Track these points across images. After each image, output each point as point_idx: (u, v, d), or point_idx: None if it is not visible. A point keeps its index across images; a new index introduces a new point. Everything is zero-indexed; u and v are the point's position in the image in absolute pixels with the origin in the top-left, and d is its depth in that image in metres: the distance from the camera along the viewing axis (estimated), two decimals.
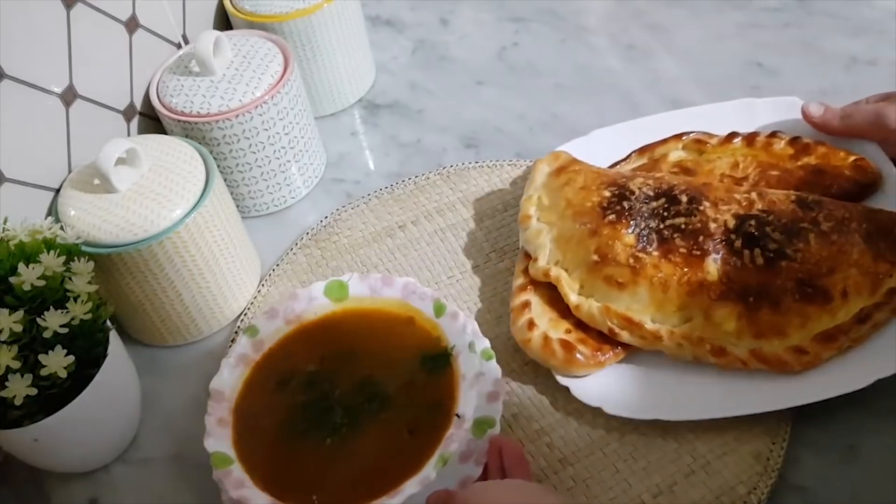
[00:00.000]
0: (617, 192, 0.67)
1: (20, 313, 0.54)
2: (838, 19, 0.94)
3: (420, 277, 0.74)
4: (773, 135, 0.72)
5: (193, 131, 0.75)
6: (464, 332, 0.62)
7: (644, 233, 0.64)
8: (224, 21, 0.92)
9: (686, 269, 0.62)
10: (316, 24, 0.85)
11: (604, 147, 0.75)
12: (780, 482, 0.58)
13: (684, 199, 0.65)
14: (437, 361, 0.62)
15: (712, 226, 0.63)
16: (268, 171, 0.80)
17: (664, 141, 0.74)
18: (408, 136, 0.89)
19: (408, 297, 0.65)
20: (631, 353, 0.64)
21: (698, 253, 0.62)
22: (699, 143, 0.73)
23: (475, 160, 0.84)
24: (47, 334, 0.55)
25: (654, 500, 0.57)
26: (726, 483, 0.57)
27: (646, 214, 0.65)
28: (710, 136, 0.73)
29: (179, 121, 0.75)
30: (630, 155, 0.74)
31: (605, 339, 0.63)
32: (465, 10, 1.05)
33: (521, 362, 0.66)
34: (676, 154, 0.73)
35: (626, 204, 0.65)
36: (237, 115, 0.74)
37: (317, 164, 0.85)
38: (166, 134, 0.77)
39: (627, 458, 0.60)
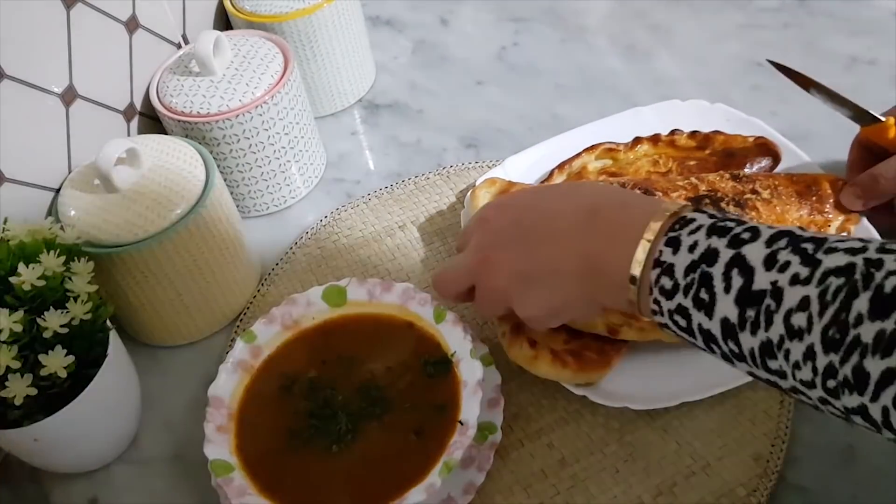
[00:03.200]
0: None
1: (20, 313, 0.54)
2: (838, 19, 0.94)
3: (420, 278, 0.74)
4: (674, 132, 0.77)
5: (193, 131, 0.75)
6: (464, 338, 0.62)
7: None
8: (224, 21, 0.92)
9: None
10: (316, 24, 0.85)
11: (519, 173, 0.78)
12: (780, 482, 0.58)
13: (639, 193, 0.67)
14: (438, 367, 0.62)
15: None
16: (268, 171, 0.80)
17: (577, 155, 0.77)
18: (408, 136, 0.89)
19: (406, 303, 0.65)
20: (628, 348, 0.64)
21: None
22: (610, 151, 0.77)
23: (475, 160, 0.84)
24: (47, 334, 0.54)
25: (654, 500, 0.57)
26: (726, 485, 0.57)
27: None
28: (618, 144, 0.77)
29: (179, 121, 0.75)
30: (552, 173, 0.76)
31: (603, 340, 0.63)
32: (465, 10, 1.05)
33: None
34: (594, 164, 0.77)
35: None
36: (237, 115, 0.74)
37: (317, 164, 0.85)
38: (166, 134, 0.77)
39: (627, 458, 0.60)
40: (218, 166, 0.71)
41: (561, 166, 0.76)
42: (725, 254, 0.45)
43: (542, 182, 0.76)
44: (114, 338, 0.61)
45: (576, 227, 0.52)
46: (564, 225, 0.53)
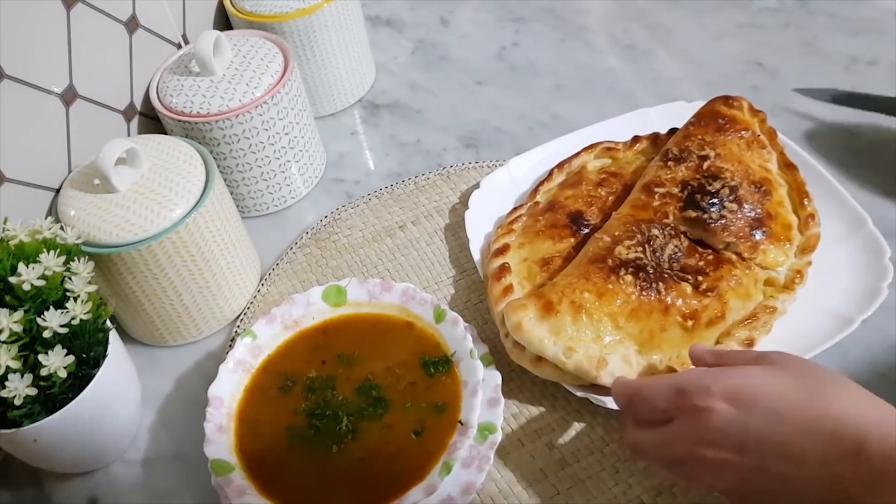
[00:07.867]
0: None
1: (20, 313, 0.54)
2: (838, 19, 0.94)
3: (419, 278, 0.74)
4: (672, 132, 0.77)
5: (193, 131, 0.75)
6: (464, 338, 0.62)
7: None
8: (224, 21, 0.92)
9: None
10: (316, 24, 0.85)
11: (523, 173, 0.78)
12: None
13: None
14: (438, 367, 0.62)
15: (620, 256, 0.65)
16: (268, 171, 0.80)
17: (577, 154, 0.77)
18: (408, 136, 0.89)
19: (406, 303, 0.65)
20: None
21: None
22: (609, 150, 0.77)
23: (475, 160, 0.84)
24: (47, 334, 0.55)
25: (654, 500, 0.57)
26: None
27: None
28: (617, 143, 0.78)
29: (179, 121, 0.75)
30: (551, 172, 0.76)
31: None
32: (465, 10, 1.05)
33: None
34: (594, 163, 0.77)
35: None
36: (237, 115, 0.74)
37: (317, 164, 0.85)
38: (166, 134, 0.77)
39: (627, 458, 0.60)
40: (218, 166, 0.71)
41: (560, 165, 0.76)
42: None
43: (542, 181, 0.76)
44: (114, 338, 0.61)
45: (827, 464, 0.45)
46: (813, 455, 0.45)
